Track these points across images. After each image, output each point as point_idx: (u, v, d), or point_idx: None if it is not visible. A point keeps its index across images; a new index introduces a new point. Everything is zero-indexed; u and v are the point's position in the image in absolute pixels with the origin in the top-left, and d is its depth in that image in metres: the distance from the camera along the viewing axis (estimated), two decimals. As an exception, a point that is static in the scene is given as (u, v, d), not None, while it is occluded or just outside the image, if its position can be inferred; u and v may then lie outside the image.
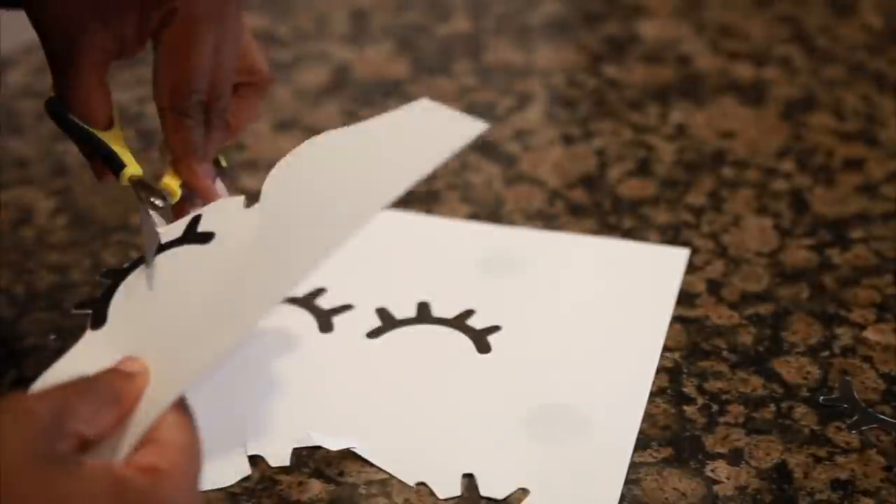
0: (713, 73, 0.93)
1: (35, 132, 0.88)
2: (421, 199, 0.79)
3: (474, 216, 0.77)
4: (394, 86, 0.92)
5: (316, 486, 0.59)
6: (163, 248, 0.56)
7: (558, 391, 0.64)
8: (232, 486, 0.59)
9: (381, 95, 0.91)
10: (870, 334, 0.67)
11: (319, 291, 0.71)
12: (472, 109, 0.88)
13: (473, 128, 0.54)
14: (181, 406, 0.49)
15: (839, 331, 0.67)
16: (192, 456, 0.48)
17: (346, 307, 0.70)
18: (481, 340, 0.67)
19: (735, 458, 0.60)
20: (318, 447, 0.60)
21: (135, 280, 0.56)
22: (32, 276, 0.74)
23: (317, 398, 0.64)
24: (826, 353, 0.66)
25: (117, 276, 0.56)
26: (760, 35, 0.98)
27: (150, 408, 0.49)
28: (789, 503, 0.57)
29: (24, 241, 0.77)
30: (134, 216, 0.78)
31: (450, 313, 0.69)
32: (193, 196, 0.60)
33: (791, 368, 0.65)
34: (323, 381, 0.65)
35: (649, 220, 0.77)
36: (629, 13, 1.02)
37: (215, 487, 0.58)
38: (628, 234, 0.75)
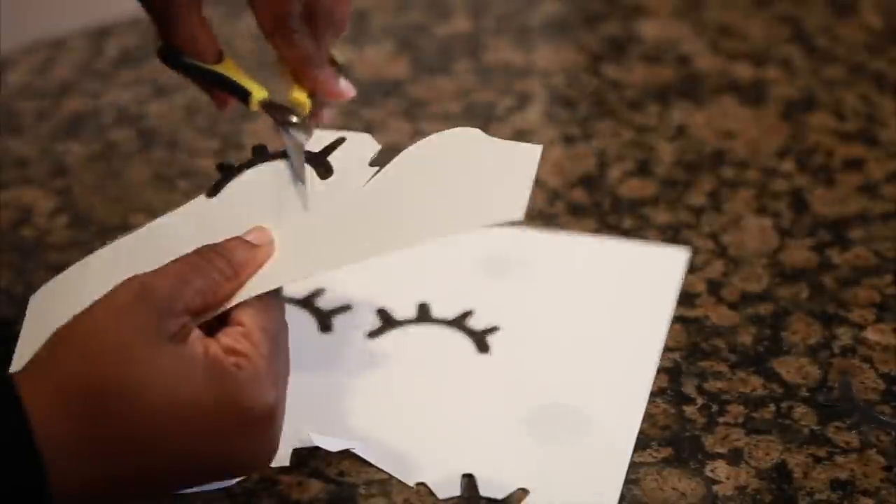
0: (713, 73, 0.93)
1: (35, 132, 0.88)
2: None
3: (474, 216, 0.77)
4: (394, 86, 0.92)
5: (316, 486, 0.59)
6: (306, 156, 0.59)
7: (558, 391, 0.64)
8: (232, 486, 0.59)
9: (381, 95, 0.91)
10: (869, 334, 0.67)
11: (319, 291, 0.71)
12: (472, 109, 0.89)
13: (514, 213, 0.55)
14: (271, 296, 0.52)
15: (839, 331, 0.67)
16: (279, 345, 0.51)
17: (346, 307, 0.70)
18: (481, 341, 0.67)
19: (735, 458, 0.60)
20: (319, 447, 0.60)
21: (258, 175, 0.58)
22: (32, 276, 0.73)
23: (317, 398, 0.64)
24: (826, 353, 0.66)
25: (242, 167, 0.59)
26: (760, 35, 0.98)
27: (259, 283, 0.52)
28: (789, 503, 0.57)
29: (24, 241, 0.77)
30: (134, 216, 0.78)
31: (450, 314, 0.69)
32: (323, 102, 0.62)
33: (791, 368, 0.65)
34: (323, 381, 0.65)
35: (649, 220, 0.77)
36: (629, 13, 1.02)
37: (215, 488, 0.58)
38: (628, 234, 0.75)
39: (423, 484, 0.59)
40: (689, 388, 0.64)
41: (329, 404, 0.63)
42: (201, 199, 0.58)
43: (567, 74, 0.94)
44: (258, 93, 0.62)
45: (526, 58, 0.96)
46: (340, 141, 0.60)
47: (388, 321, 0.69)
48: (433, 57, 0.96)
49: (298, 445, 0.60)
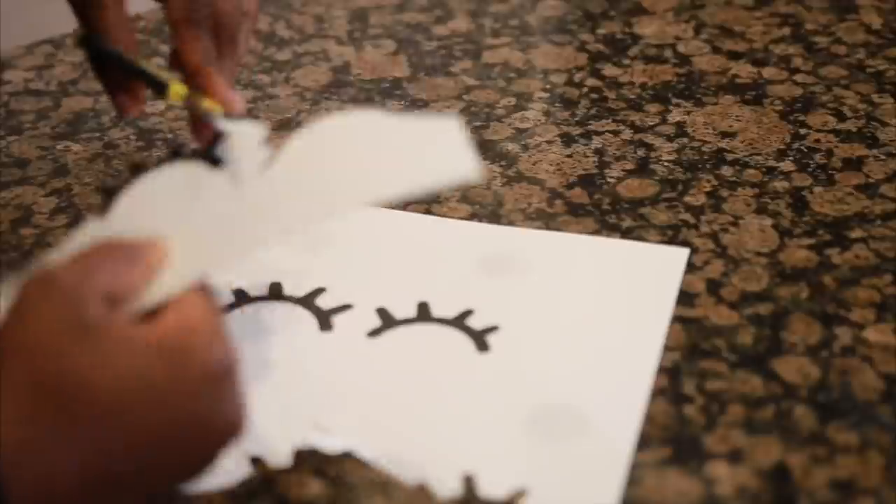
0: (712, 72, 0.93)
1: (35, 132, 0.88)
2: (420, 199, 0.79)
3: (474, 216, 0.77)
4: (394, 86, 0.92)
5: (316, 486, 0.59)
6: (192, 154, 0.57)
7: (557, 391, 0.64)
8: (232, 485, 0.59)
9: (381, 95, 0.91)
10: (869, 334, 0.67)
11: (319, 291, 0.71)
12: (472, 109, 0.89)
13: (467, 172, 0.53)
14: (203, 287, 0.51)
15: (839, 331, 0.67)
16: (217, 318, 0.50)
17: (346, 307, 0.70)
18: (481, 340, 0.67)
19: (735, 457, 0.60)
20: (319, 447, 0.60)
21: (145, 185, 0.56)
22: (32, 276, 0.73)
23: (316, 398, 0.64)
24: (826, 353, 0.66)
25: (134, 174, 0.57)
26: (760, 35, 0.98)
27: (171, 280, 0.51)
28: (789, 503, 0.57)
29: (24, 241, 0.77)
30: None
31: (449, 313, 0.69)
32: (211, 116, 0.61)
33: (791, 368, 0.65)
34: (323, 380, 0.65)
35: (649, 219, 0.77)
36: (629, 13, 1.02)
37: (215, 487, 0.58)
38: (628, 233, 0.75)
39: (422, 484, 0.59)
40: (689, 387, 0.64)
41: (329, 404, 0.63)
42: (92, 221, 0.56)
43: (567, 74, 0.94)
44: (177, 86, 0.60)
45: (526, 58, 0.96)
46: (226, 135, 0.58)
47: (388, 320, 0.69)
48: (433, 57, 0.96)
49: (298, 445, 0.60)
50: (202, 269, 0.52)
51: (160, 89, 0.60)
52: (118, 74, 0.63)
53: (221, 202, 0.55)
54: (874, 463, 0.59)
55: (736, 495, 0.58)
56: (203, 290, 0.51)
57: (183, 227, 0.54)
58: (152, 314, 0.49)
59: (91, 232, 0.55)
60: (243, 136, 0.58)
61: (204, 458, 0.50)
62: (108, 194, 0.56)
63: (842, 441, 0.60)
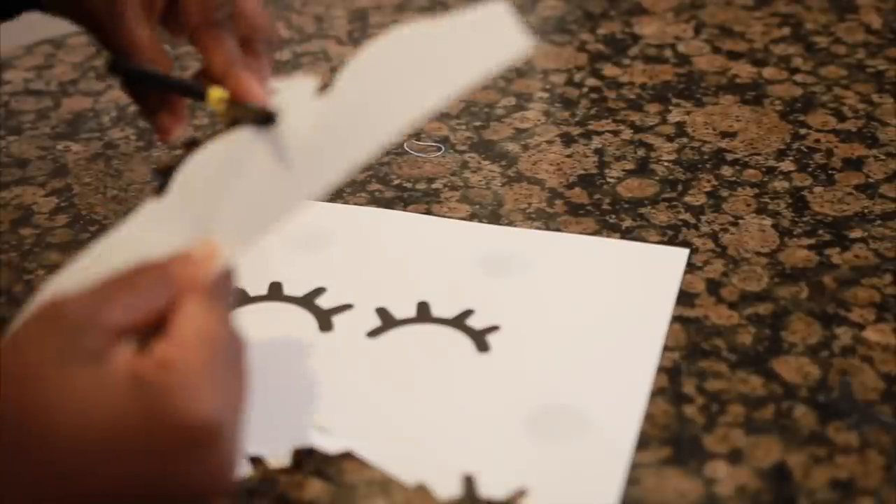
0: (712, 72, 0.93)
1: (35, 132, 0.88)
2: (420, 198, 0.79)
3: (473, 216, 0.77)
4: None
5: (316, 486, 0.59)
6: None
7: (557, 391, 0.64)
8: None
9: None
10: (869, 334, 0.67)
11: (319, 291, 0.71)
12: (471, 109, 0.89)
13: (519, 49, 0.53)
14: (215, 299, 0.47)
15: (839, 331, 0.67)
16: (213, 343, 0.45)
17: (346, 307, 0.70)
18: (480, 340, 0.67)
19: (735, 457, 0.60)
20: (319, 447, 0.60)
21: (203, 157, 0.55)
22: (32, 276, 0.74)
23: (317, 398, 0.64)
24: (826, 353, 0.66)
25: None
26: (760, 35, 0.98)
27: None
28: (789, 503, 0.57)
29: (24, 241, 0.77)
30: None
31: (449, 313, 0.69)
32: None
33: (791, 368, 0.65)
34: (323, 380, 0.65)
35: (649, 219, 0.77)
36: (629, 13, 1.02)
37: (215, 487, 0.58)
38: (628, 233, 0.75)
39: (423, 484, 0.59)
40: (689, 387, 0.64)
41: (329, 404, 0.63)
42: (152, 203, 0.55)
43: (567, 74, 0.94)
44: (216, 90, 0.58)
45: (526, 58, 0.96)
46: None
47: (387, 321, 0.69)
48: (433, 57, 0.96)
49: (298, 445, 0.60)
50: (255, 234, 0.51)
51: (199, 95, 0.58)
52: (154, 94, 0.61)
53: (271, 162, 0.53)
54: (874, 463, 0.59)
55: (736, 495, 0.58)
56: (217, 305, 0.47)
57: (235, 194, 0.52)
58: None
59: (148, 214, 0.54)
60: (294, 91, 0.56)
61: None
62: (163, 174, 0.55)
63: (842, 441, 0.60)
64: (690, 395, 0.63)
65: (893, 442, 0.60)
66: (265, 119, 0.55)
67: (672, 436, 0.61)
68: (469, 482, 0.58)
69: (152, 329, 0.46)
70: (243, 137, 0.55)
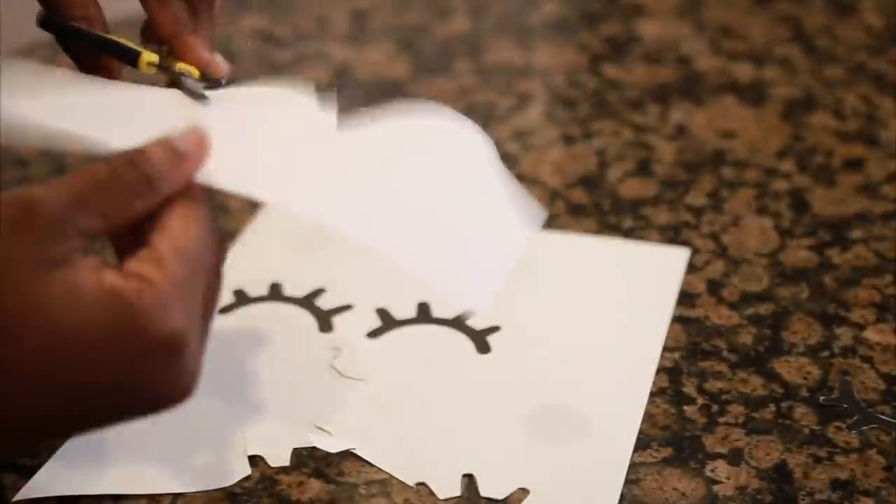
0: (713, 73, 0.93)
1: (35, 132, 0.88)
2: (421, 199, 0.79)
3: (474, 216, 0.77)
4: (394, 86, 0.92)
5: (316, 486, 0.59)
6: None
7: (558, 391, 0.64)
8: (232, 485, 0.59)
9: (381, 95, 0.91)
10: (870, 334, 0.67)
11: (319, 291, 0.71)
12: (472, 109, 0.89)
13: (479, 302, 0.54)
14: (196, 207, 0.46)
15: (839, 331, 0.67)
16: (194, 263, 0.45)
17: (346, 307, 0.70)
18: (481, 341, 0.67)
19: (735, 458, 0.60)
20: (319, 447, 0.60)
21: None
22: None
23: (316, 398, 0.64)
24: (826, 354, 0.66)
25: None
26: (760, 35, 0.98)
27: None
28: (789, 503, 0.57)
29: (24, 241, 0.77)
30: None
31: (449, 313, 0.69)
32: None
33: (791, 368, 0.65)
34: (322, 381, 0.65)
35: (649, 220, 0.77)
36: (629, 13, 1.02)
37: (215, 487, 0.58)
38: (628, 234, 0.75)
39: (423, 484, 0.59)
40: (690, 388, 0.64)
41: (328, 405, 0.63)
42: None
43: (567, 74, 0.94)
44: (148, 55, 0.57)
45: (526, 58, 0.96)
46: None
47: (388, 321, 0.68)
48: (433, 57, 0.96)
49: (297, 445, 0.60)
50: (226, 185, 0.48)
51: (131, 59, 0.57)
52: (88, 52, 0.59)
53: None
54: (875, 463, 0.59)
55: (736, 495, 0.58)
56: (197, 216, 0.46)
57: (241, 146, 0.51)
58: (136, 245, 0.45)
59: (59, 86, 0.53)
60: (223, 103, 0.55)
61: (132, 416, 0.46)
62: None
63: (842, 441, 0.60)
64: (691, 396, 0.63)
65: (893, 442, 0.60)
66: (210, 84, 0.55)
67: (672, 436, 0.61)
68: (469, 482, 0.58)
69: (127, 228, 0.46)
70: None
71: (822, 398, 0.63)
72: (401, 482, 0.59)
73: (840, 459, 0.59)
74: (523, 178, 0.81)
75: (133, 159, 0.45)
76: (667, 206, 0.78)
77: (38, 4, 0.59)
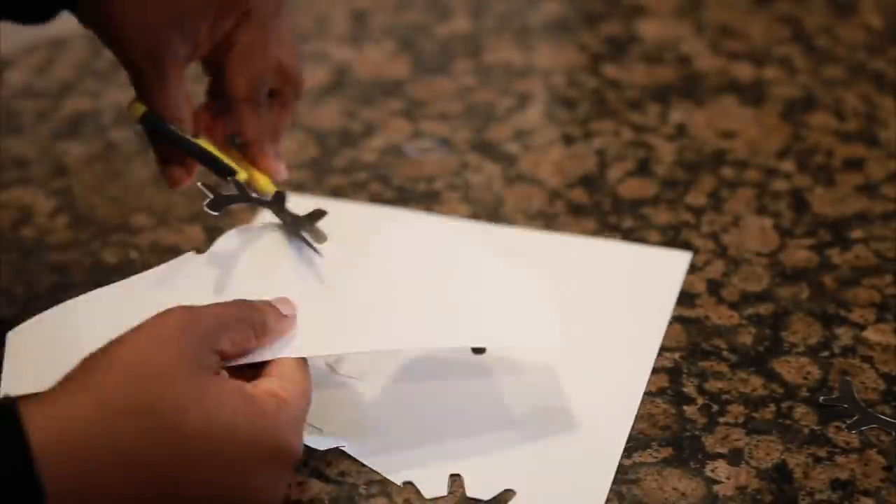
0: (713, 73, 0.93)
1: (35, 132, 0.88)
2: (421, 198, 0.79)
3: (474, 216, 0.77)
4: (394, 86, 0.92)
5: (316, 486, 0.59)
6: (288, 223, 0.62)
7: (551, 392, 0.64)
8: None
9: (381, 95, 0.91)
10: (870, 334, 0.67)
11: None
12: (472, 109, 0.89)
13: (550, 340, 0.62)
14: (303, 361, 0.56)
15: (839, 331, 0.67)
16: (306, 396, 0.54)
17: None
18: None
19: (735, 458, 0.60)
20: (318, 446, 0.60)
21: (250, 236, 0.62)
22: (32, 276, 0.74)
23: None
24: (826, 354, 0.66)
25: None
26: (760, 35, 0.98)
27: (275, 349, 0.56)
28: (789, 503, 0.57)
29: (24, 241, 0.77)
30: (135, 215, 0.78)
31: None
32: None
33: (791, 368, 0.65)
34: (314, 378, 0.64)
35: (649, 220, 0.77)
36: (629, 13, 1.02)
37: None
38: (628, 234, 0.75)
39: (410, 483, 0.58)
40: (690, 388, 0.64)
41: (319, 402, 0.63)
42: (190, 256, 0.60)
43: (567, 74, 0.94)
44: (242, 173, 0.63)
45: (526, 58, 0.96)
46: (322, 213, 0.63)
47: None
48: (433, 57, 0.96)
49: None
50: (313, 352, 0.57)
51: (225, 172, 0.62)
52: (174, 151, 0.64)
53: (336, 285, 0.61)
54: (875, 463, 0.59)
55: (736, 495, 0.58)
56: (306, 366, 0.56)
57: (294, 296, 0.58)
58: (253, 369, 0.55)
59: (188, 264, 0.60)
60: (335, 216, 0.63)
61: None
62: (213, 191, 0.61)
63: (842, 441, 0.60)
64: (691, 395, 0.63)
65: (894, 442, 0.60)
66: (276, 199, 0.63)
67: (672, 436, 0.61)
68: (456, 482, 0.58)
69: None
70: (276, 237, 0.62)
71: (822, 398, 0.63)
72: (391, 481, 0.59)
73: (840, 459, 0.59)
74: (523, 178, 0.81)
75: (257, 308, 0.55)
76: (667, 206, 0.78)
77: (133, 86, 0.63)
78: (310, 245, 0.62)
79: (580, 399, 0.63)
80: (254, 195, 0.63)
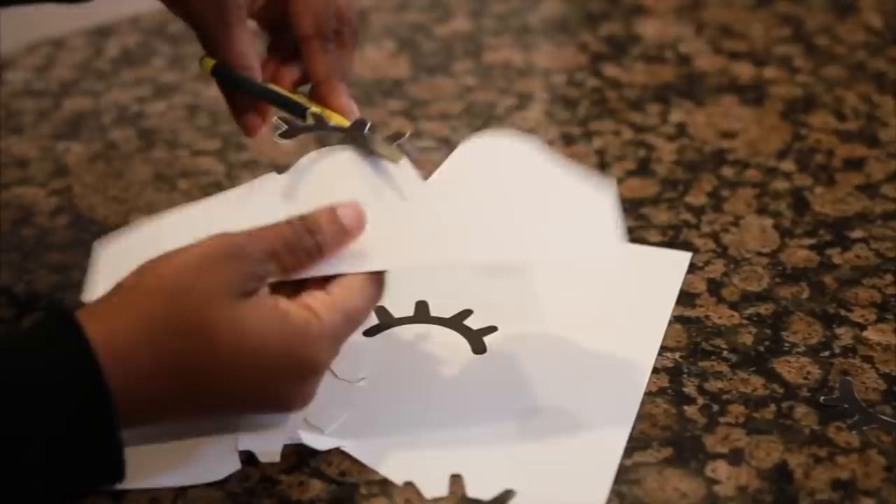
0: (713, 73, 0.93)
1: (35, 132, 0.88)
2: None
3: (474, 216, 0.77)
4: (394, 86, 0.92)
5: (316, 486, 0.59)
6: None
7: (551, 392, 0.64)
8: (232, 485, 0.58)
9: (382, 95, 0.91)
10: (870, 334, 0.67)
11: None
12: (472, 109, 0.89)
13: (611, 251, 0.61)
14: (377, 278, 0.58)
15: (839, 331, 0.67)
16: (351, 321, 0.57)
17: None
18: (477, 341, 0.67)
19: (735, 458, 0.60)
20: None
21: (334, 158, 0.62)
22: (32, 276, 0.74)
23: None
24: (826, 353, 0.66)
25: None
26: (760, 35, 0.98)
27: (342, 263, 0.57)
28: (790, 503, 0.57)
29: (24, 241, 0.77)
30: (135, 216, 0.78)
31: (448, 313, 0.69)
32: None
33: (791, 368, 0.65)
34: None
35: (649, 219, 0.77)
36: (629, 13, 1.02)
37: (205, 482, 0.58)
38: (629, 234, 0.75)
39: (410, 483, 0.58)
40: (690, 388, 0.64)
41: (320, 401, 0.63)
42: (271, 176, 0.62)
43: (567, 74, 0.94)
44: (315, 109, 0.64)
45: (526, 58, 0.96)
46: (401, 134, 0.63)
47: (385, 319, 0.68)
48: (433, 57, 0.96)
49: (288, 442, 0.60)
50: (379, 266, 0.58)
51: (300, 113, 0.63)
52: (246, 97, 0.66)
53: (415, 204, 0.61)
54: (875, 463, 0.59)
55: (737, 495, 0.58)
56: (367, 288, 0.57)
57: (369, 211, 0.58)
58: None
59: (268, 183, 0.61)
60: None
61: (260, 412, 0.60)
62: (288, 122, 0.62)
63: (843, 441, 0.60)
64: (691, 395, 0.63)
65: (894, 442, 0.60)
66: (355, 126, 0.63)
67: (673, 436, 0.61)
68: (457, 482, 0.58)
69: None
70: (355, 159, 0.62)
71: (822, 398, 0.63)
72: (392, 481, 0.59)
73: (840, 459, 0.59)
74: (523, 177, 0.81)
75: (310, 228, 0.57)
76: (667, 206, 0.78)
77: (199, 41, 0.65)
78: (386, 160, 0.62)
79: (581, 399, 0.63)
80: (331, 124, 0.64)
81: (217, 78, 0.66)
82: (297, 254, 0.56)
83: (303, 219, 0.57)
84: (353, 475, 0.59)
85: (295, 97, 0.65)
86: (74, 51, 0.98)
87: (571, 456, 0.60)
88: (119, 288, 0.55)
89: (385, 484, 0.59)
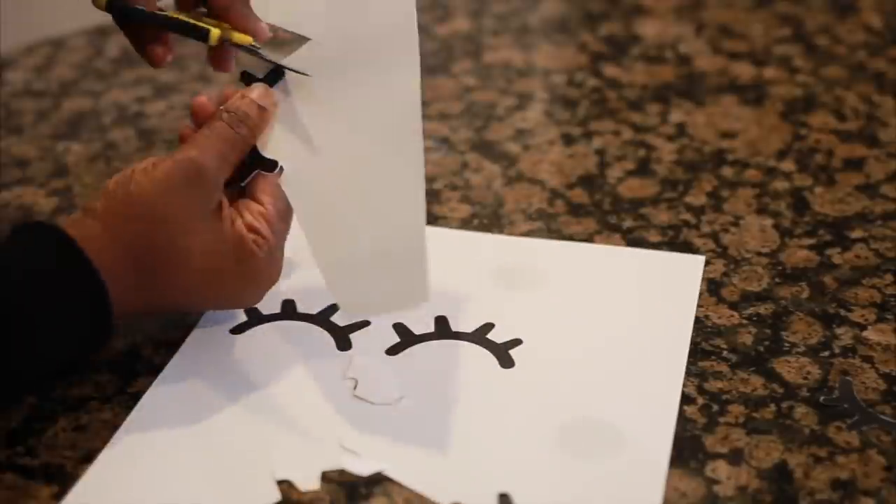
0: (713, 73, 0.93)
1: (35, 132, 0.88)
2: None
3: (474, 216, 0.77)
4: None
5: (316, 486, 0.59)
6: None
7: (587, 404, 0.63)
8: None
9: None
10: (870, 334, 0.67)
11: (333, 308, 0.69)
12: (472, 109, 0.89)
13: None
14: (278, 178, 0.64)
15: (839, 331, 0.67)
16: (286, 216, 0.64)
17: (363, 323, 0.68)
18: (503, 355, 0.66)
19: (735, 458, 0.60)
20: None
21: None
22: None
23: (341, 419, 0.62)
24: (826, 353, 0.66)
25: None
26: (760, 35, 0.98)
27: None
28: (790, 503, 0.57)
29: (25, 241, 0.77)
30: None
31: (469, 327, 0.68)
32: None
33: (791, 368, 0.65)
34: (346, 400, 0.63)
35: (649, 219, 0.77)
36: (629, 13, 1.02)
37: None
38: (629, 234, 0.75)
39: (457, 503, 0.58)
40: (690, 388, 0.64)
41: (354, 424, 0.62)
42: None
43: (567, 74, 0.94)
44: (216, 31, 0.63)
45: (526, 58, 0.96)
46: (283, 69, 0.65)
47: (406, 336, 0.67)
48: (433, 57, 0.96)
49: (326, 468, 0.59)
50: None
51: (202, 36, 0.64)
52: (147, 29, 0.66)
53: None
54: (875, 463, 0.59)
55: (736, 495, 0.58)
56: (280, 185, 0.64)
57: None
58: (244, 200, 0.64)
59: None
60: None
61: (233, 307, 0.68)
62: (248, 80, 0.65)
63: (842, 441, 0.60)
64: (691, 395, 0.63)
65: (894, 442, 0.60)
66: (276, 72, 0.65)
67: (673, 436, 0.61)
68: (505, 501, 0.57)
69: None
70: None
71: (822, 398, 0.63)
72: (401, 483, 0.58)
73: (840, 459, 0.59)
74: (523, 177, 0.81)
75: (240, 118, 0.63)
76: (667, 206, 0.78)
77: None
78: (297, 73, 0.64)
79: (618, 410, 0.62)
80: (260, 52, 0.65)
81: (112, 14, 0.65)
82: (236, 147, 0.62)
83: (229, 112, 0.63)
84: (352, 475, 0.59)
85: (199, 23, 0.64)
86: (74, 51, 0.98)
87: (618, 469, 0.59)
88: (94, 209, 0.60)
89: (385, 484, 0.59)
